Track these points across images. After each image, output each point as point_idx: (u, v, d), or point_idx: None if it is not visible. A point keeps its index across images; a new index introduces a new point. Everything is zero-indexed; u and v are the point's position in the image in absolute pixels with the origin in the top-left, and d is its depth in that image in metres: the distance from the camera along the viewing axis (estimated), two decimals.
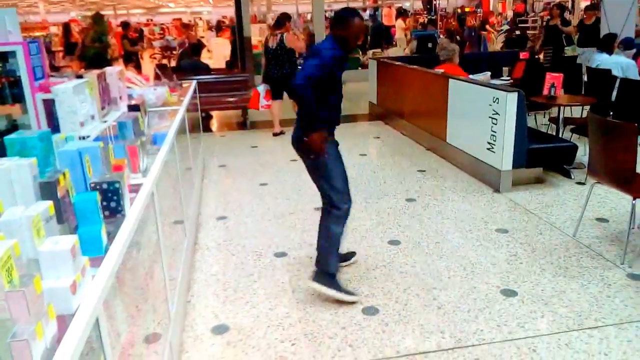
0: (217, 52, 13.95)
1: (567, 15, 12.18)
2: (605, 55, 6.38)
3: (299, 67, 2.99)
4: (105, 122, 2.92)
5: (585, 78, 6.24)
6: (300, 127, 2.94)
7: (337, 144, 3.03)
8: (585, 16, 9.57)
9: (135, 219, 1.77)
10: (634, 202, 3.24)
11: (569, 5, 18.12)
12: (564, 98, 5.43)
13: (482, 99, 4.83)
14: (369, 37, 14.30)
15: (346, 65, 3.05)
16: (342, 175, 2.99)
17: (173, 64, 11.44)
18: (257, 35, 13.94)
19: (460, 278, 3.17)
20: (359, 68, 12.28)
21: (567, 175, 5.00)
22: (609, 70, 5.76)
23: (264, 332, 2.69)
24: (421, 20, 18.57)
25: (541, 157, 4.75)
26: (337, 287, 2.94)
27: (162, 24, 24.19)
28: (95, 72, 2.99)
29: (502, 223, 3.99)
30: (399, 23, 16.43)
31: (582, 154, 5.16)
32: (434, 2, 22.08)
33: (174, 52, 15.07)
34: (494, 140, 4.69)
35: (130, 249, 1.79)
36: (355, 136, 6.93)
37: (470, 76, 5.91)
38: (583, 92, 6.07)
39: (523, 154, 4.59)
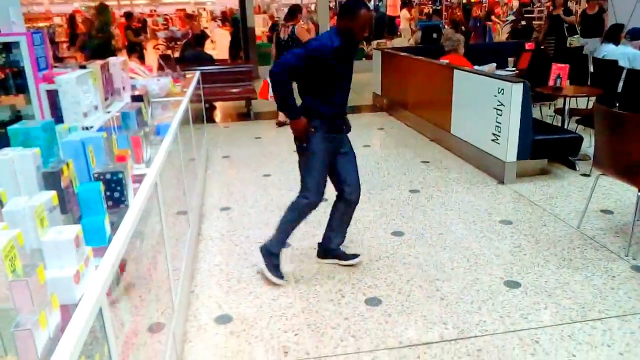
0: (220, 43, 13.92)
1: (573, 5, 12.07)
2: (611, 46, 6.31)
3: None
4: (108, 112, 2.91)
5: (591, 69, 6.19)
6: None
7: (333, 140, 2.99)
8: (587, 6, 9.47)
9: (139, 210, 1.78)
10: (639, 193, 3.23)
11: None
12: (570, 89, 5.39)
13: (487, 90, 4.80)
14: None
15: (352, 58, 2.99)
16: (317, 171, 3.00)
17: (177, 54, 11.41)
18: (260, 26, 13.88)
19: (464, 269, 3.17)
20: (363, 59, 12.22)
21: (572, 166, 4.98)
22: (616, 61, 5.71)
23: (267, 322, 2.70)
24: (426, 10, 18.44)
25: (546, 148, 4.73)
26: (270, 265, 3.08)
27: (165, 14, 24.10)
28: (99, 62, 2.98)
29: (506, 214, 3.97)
30: (404, 13, 16.30)
31: (588, 145, 5.13)
32: None
33: (179, 42, 15.03)
34: (499, 132, 4.67)
35: (134, 239, 1.79)
36: (359, 127, 6.91)
37: (476, 67, 5.87)
38: (589, 83, 6.02)
39: (528, 145, 4.57)
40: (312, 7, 13.99)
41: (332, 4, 14.21)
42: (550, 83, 5.31)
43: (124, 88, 3.22)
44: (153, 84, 3.86)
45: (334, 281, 3.08)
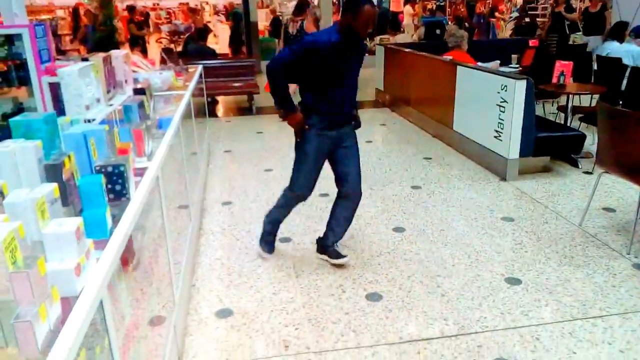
0: (223, 37, 13.88)
1: (577, 2, 12.00)
2: (615, 44, 6.28)
3: None
4: (111, 105, 2.91)
5: (595, 66, 6.16)
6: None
7: (332, 137, 2.98)
8: (590, 3, 9.44)
9: (140, 203, 1.78)
10: None
11: None
12: (573, 86, 5.37)
13: (490, 86, 4.78)
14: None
15: (358, 54, 2.94)
16: (306, 168, 3.06)
17: (180, 48, 11.39)
18: (263, 20, 13.85)
19: (465, 266, 3.17)
20: (366, 54, 12.18)
21: (575, 164, 4.96)
22: (620, 59, 5.69)
23: (267, 316, 2.70)
24: (429, 6, 18.36)
25: (549, 145, 4.71)
26: (262, 238, 3.37)
27: (168, 8, 24.03)
28: (101, 55, 2.98)
29: (508, 211, 3.97)
30: (407, 9, 16.25)
31: (590, 143, 5.11)
32: None
33: (182, 36, 15.00)
34: (502, 128, 4.65)
35: (135, 233, 1.79)
36: (361, 123, 6.89)
37: (479, 64, 5.85)
38: (593, 81, 5.99)
39: (530, 142, 4.55)
40: (316, 1, 13.95)
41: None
42: (554, 80, 5.28)
43: (126, 81, 3.22)
44: (155, 78, 3.86)
45: (334, 276, 3.08)
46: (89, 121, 2.46)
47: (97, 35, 8.52)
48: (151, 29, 16.67)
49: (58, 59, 4.32)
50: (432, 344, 2.46)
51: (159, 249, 2.30)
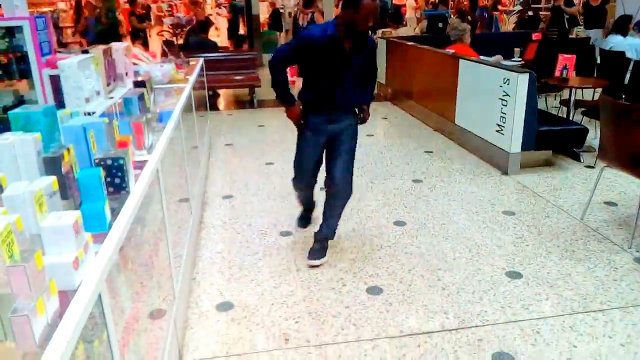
0: (225, 30, 13.81)
1: None
2: (619, 37, 6.25)
3: None
4: (111, 98, 2.90)
5: (598, 60, 6.13)
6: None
7: (320, 128, 3.00)
8: None
9: (140, 196, 1.77)
10: None
11: None
12: (576, 80, 5.34)
13: (493, 80, 4.76)
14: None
15: (358, 48, 2.90)
16: (301, 158, 3.17)
17: (182, 41, 11.35)
18: (265, 13, 13.78)
19: (466, 259, 3.16)
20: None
21: (577, 158, 4.95)
22: (623, 53, 5.65)
23: (268, 309, 2.70)
24: None
25: (551, 139, 4.69)
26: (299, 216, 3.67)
27: (170, 0, 23.95)
28: (101, 47, 2.96)
29: (509, 205, 3.96)
30: (410, 2, 16.16)
31: (592, 137, 5.09)
32: None
33: (184, 29, 14.94)
34: (504, 122, 4.63)
35: (135, 226, 1.79)
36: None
37: (482, 57, 5.82)
38: (595, 75, 5.96)
39: (532, 136, 4.54)
40: None
41: None
42: (557, 74, 5.25)
43: (126, 74, 3.21)
44: (156, 70, 3.84)
45: (335, 270, 3.08)
46: (89, 114, 2.45)
47: (99, 28, 8.49)
48: (152, 22, 16.60)
49: (59, 52, 4.31)
50: (433, 337, 2.46)
51: (159, 242, 2.30)
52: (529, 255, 3.20)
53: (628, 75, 5.39)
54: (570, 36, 9.32)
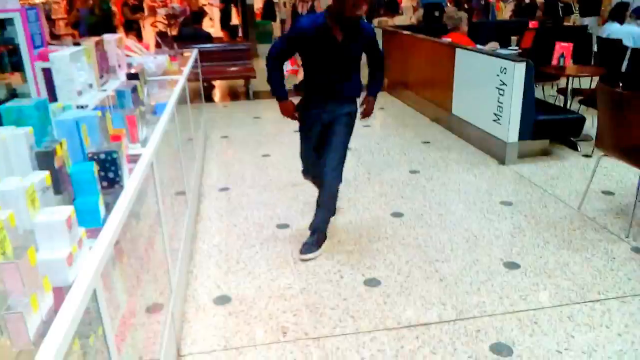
0: (219, 21, 13.67)
1: None
2: (616, 25, 6.22)
3: None
4: (104, 91, 2.86)
5: (595, 48, 6.10)
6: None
7: (316, 118, 3.02)
8: None
9: (134, 190, 1.75)
10: None
11: None
12: (573, 68, 5.32)
13: (489, 69, 4.73)
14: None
15: (353, 38, 2.89)
16: (304, 149, 3.18)
17: (175, 32, 11.25)
18: (258, 2, 13.66)
19: (463, 250, 3.16)
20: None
21: (574, 147, 4.94)
22: (620, 40, 5.62)
23: (265, 302, 2.70)
24: None
25: (548, 129, 4.68)
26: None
27: None
28: (93, 39, 2.92)
29: (507, 195, 3.95)
30: None
31: (590, 126, 5.08)
32: None
33: (180, 20, 14.79)
34: (500, 112, 4.62)
35: (130, 220, 1.77)
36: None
37: (478, 46, 5.79)
38: (593, 63, 5.94)
39: (530, 125, 4.52)
40: None
41: None
42: (554, 62, 5.23)
43: (119, 66, 3.16)
44: (149, 62, 3.80)
45: (332, 262, 3.07)
46: (81, 107, 2.42)
47: (92, 20, 8.40)
48: (146, 13, 16.43)
49: (52, 44, 4.26)
50: (431, 328, 2.46)
51: (155, 236, 2.28)
52: (527, 246, 3.20)
53: (625, 63, 5.37)
54: (566, 24, 9.28)
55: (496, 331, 2.43)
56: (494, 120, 4.72)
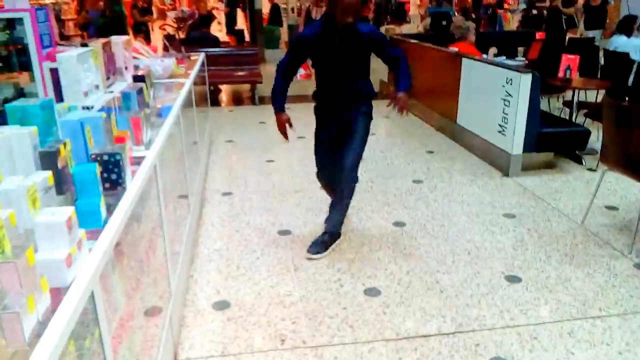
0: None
1: None
2: (623, 38, 6.21)
3: None
4: (111, 92, 2.87)
5: (602, 61, 6.09)
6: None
7: (330, 121, 3.15)
8: None
9: (136, 192, 1.75)
10: None
11: None
12: (579, 81, 5.31)
13: (495, 80, 4.73)
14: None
15: (352, 43, 2.95)
16: (317, 151, 3.28)
17: (184, 36, 11.30)
18: (267, 7, 13.72)
19: (465, 262, 3.14)
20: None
21: (579, 161, 4.92)
22: (627, 54, 5.61)
23: (265, 309, 2.69)
24: None
25: (553, 141, 4.66)
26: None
27: None
28: (101, 40, 2.93)
29: (510, 208, 3.93)
30: None
31: (595, 139, 5.06)
32: None
33: (188, 23, 14.88)
34: (505, 123, 4.61)
35: (131, 223, 1.77)
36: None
37: (484, 56, 5.79)
38: (599, 76, 5.92)
39: (534, 137, 4.51)
40: None
41: None
42: (560, 74, 5.22)
43: (126, 68, 3.17)
44: (156, 65, 3.81)
45: (333, 270, 3.06)
46: (87, 108, 2.42)
47: (101, 21, 8.45)
48: (154, 15, 16.54)
49: (61, 45, 4.28)
50: (430, 341, 2.44)
51: (156, 239, 2.28)
52: (529, 259, 3.18)
53: (632, 77, 5.36)
54: (572, 36, 9.27)
55: (496, 345, 2.41)
56: (499, 132, 4.71)
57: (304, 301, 2.75)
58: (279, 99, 3.12)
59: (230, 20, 12.66)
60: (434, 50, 6.39)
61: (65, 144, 1.66)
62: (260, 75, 7.74)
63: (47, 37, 3.69)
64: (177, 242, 2.78)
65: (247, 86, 8.26)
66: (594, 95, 6.25)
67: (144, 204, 2.05)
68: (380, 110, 7.17)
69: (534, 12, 12.82)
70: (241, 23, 13.67)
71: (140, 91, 2.60)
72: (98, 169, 1.65)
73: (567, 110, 5.47)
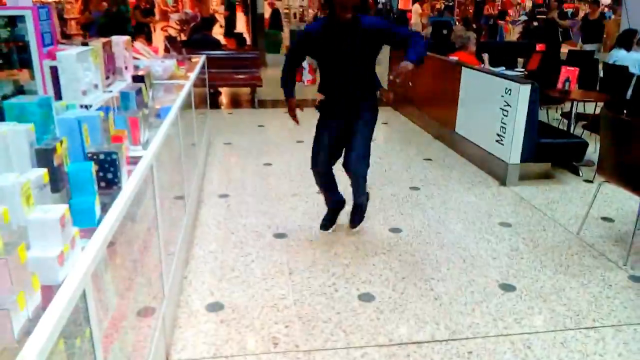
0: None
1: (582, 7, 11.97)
2: (623, 52, 6.25)
3: None
4: (110, 92, 2.87)
5: (601, 74, 6.12)
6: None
7: (332, 117, 3.23)
8: (590, 11, 9.42)
9: (132, 192, 1.74)
10: None
11: None
12: (578, 93, 5.33)
13: (494, 90, 4.74)
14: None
15: (354, 38, 2.99)
16: (317, 143, 3.30)
17: (185, 38, 11.31)
18: (269, 12, 13.77)
19: (459, 270, 3.14)
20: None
21: (576, 172, 4.93)
22: (626, 67, 5.64)
23: (258, 312, 2.68)
24: (438, 6, 18.29)
25: (550, 152, 4.68)
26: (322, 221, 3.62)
27: None
28: (101, 40, 2.94)
29: (506, 217, 3.94)
30: (416, 8, 16.20)
31: (593, 151, 5.07)
32: None
33: (191, 25, 14.89)
34: (504, 132, 4.62)
35: (125, 222, 1.76)
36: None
37: (481, 66, 5.81)
38: (598, 88, 5.95)
39: (532, 148, 4.52)
40: None
41: None
42: (559, 86, 5.24)
43: (126, 68, 3.18)
44: (157, 66, 3.82)
45: (328, 274, 3.05)
46: (85, 107, 2.42)
47: (102, 20, 8.44)
48: (157, 17, 16.57)
49: (62, 43, 4.28)
50: (422, 347, 2.44)
51: (151, 239, 2.28)
52: (524, 268, 3.18)
53: (630, 90, 5.38)
54: (572, 48, 9.32)
55: (488, 353, 2.40)
56: (497, 141, 4.72)
57: (298, 305, 2.75)
58: (287, 87, 3.32)
59: (230, 24, 12.69)
60: (434, 59, 6.41)
61: (61, 142, 1.66)
62: (260, 79, 7.75)
63: (48, 35, 3.69)
64: (172, 243, 2.78)
65: (247, 89, 8.27)
66: (592, 108, 6.27)
67: (139, 204, 2.05)
68: (380, 116, 7.10)
69: (535, 24, 12.90)
70: (240, 26, 13.70)
71: (139, 91, 2.61)
72: (94, 167, 1.65)
73: (566, 121, 5.49)
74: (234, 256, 3.25)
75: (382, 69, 3.31)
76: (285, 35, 13.04)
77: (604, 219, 3.93)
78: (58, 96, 2.58)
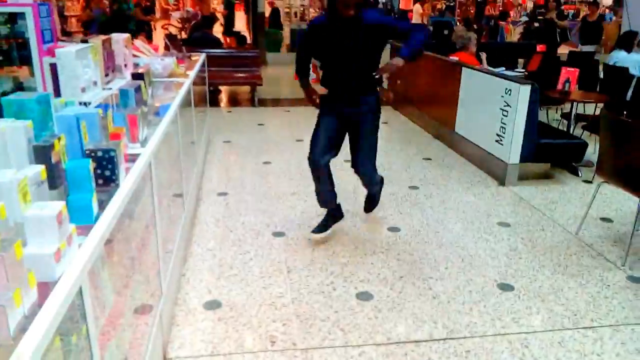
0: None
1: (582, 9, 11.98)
2: (623, 53, 6.24)
3: None
4: (109, 89, 2.87)
5: (601, 75, 6.12)
6: None
7: (332, 109, 3.21)
8: (589, 12, 9.42)
9: (129, 189, 1.74)
10: None
11: None
12: (577, 94, 5.33)
13: (494, 90, 4.74)
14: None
15: (355, 34, 2.97)
16: (316, 134, 3.25)
17: (186, 36, 11.30)
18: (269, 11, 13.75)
19: (458, 269, 3.14)
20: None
21: (575, 172, 4.93)
22: (626, 69, 5.64)
23: (256, 310, 2.68)
24: (439, 6, 18.28)
25: (550, 152, 4.68)
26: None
27: None
28: (101, 37, 2.94)
29: (505, 217, 3.94)
30: (417, 8, 16.18)
31: (592, 152, 5.07)
32: None
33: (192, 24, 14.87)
34: (503, 133, 4.62)
35: (123, 219, 1.76)
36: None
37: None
38: (598, 90, 5.94)
39: (531, 148, 4.52)
40: None
41: None
42: (559, 87, 5.24)
43: (125, 65, 3.18)
44: (156, 64, 3.82)
45: (326, 273, 3.05)
46: (84, 104, 2.42)
47: (102, 18, 8.44)
48: (157, 15, 16.55)
49: (62, 40, 4.28)
50: (420, 346, 2.44)
51: (149, 236, 2.28)
52: (522, 268, 3.18)
53: (630, 92, 5.38)
54: (572, 49, 9.32)
55: (486, 353, 2.40)
56: (496, 141, 4.72)
57: (296, 303, 2.75)
58: (302, 79, 3.35)
59: (229, 22, 12.68)
60: (434, 59, 6.41)
61: (60, 139, 1.66)
62: (260, 78, 7.75)
63: (48, 32, 3.69)
64: (170, 240, 2.77)
65: (246, 88, 8.27)
66: (592, 109, 6.27)
67: (137, 201, 2.05)
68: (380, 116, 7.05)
69: (536, 25, 12.89)
70: (241, 25, 13.69)
71: (138, 89, 2.61)
72: (92, 164, 1.65)
73: (565, 122, 5.49)
74: (232, 254, 3.25)
75: None
76: (286, 34, 13.03)
77: (603, 219, 3.93)
78: (57, 93, 2.58)
